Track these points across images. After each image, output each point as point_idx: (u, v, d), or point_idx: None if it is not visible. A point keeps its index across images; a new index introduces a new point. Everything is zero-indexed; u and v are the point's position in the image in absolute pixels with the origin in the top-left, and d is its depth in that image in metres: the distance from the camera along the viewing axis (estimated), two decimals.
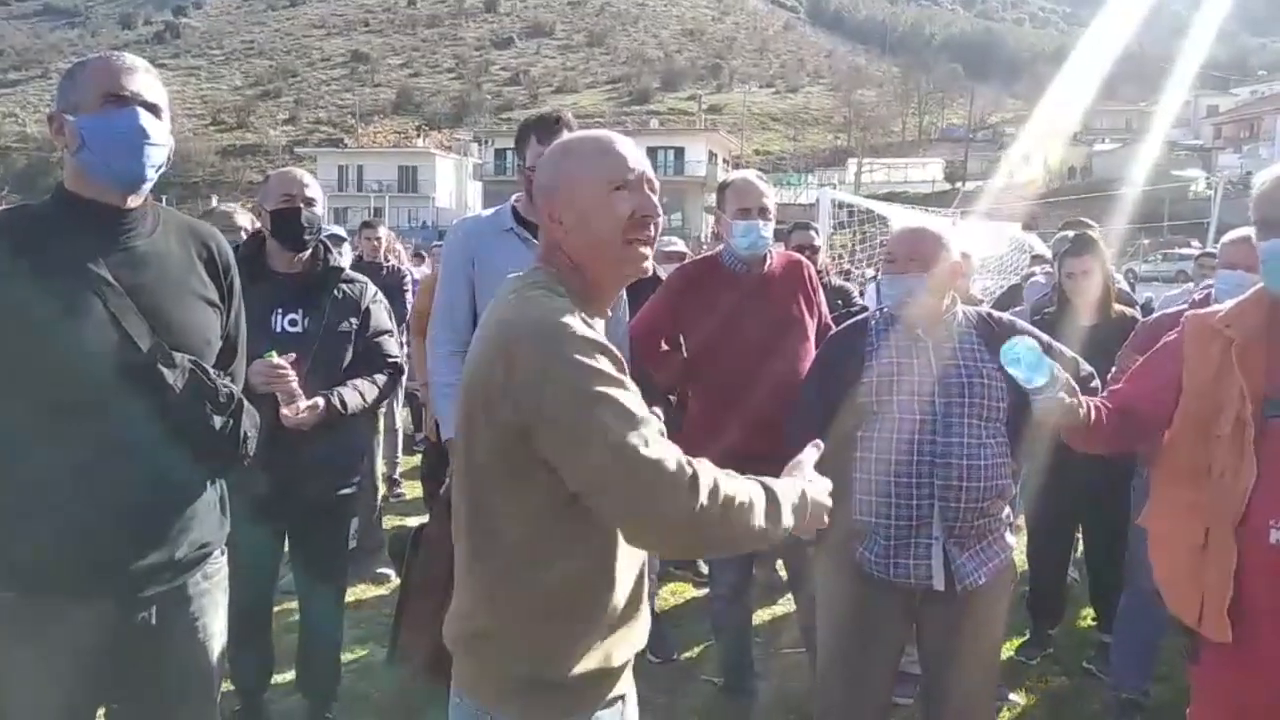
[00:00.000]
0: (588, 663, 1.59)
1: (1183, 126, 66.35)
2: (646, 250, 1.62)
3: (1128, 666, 3.70)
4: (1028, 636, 4.37)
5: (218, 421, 2.01)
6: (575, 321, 1.50)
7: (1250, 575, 2.05)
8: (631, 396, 1.47)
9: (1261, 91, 70.96)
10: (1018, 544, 3.03)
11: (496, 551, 1.58)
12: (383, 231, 6.87)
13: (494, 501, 1.56)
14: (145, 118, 1.94)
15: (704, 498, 1.43)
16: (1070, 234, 5.28)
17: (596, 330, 1.56)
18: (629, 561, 1.63)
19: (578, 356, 1.46)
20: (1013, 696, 3.90)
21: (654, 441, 1.44)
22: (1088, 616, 4.56)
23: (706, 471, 1.47)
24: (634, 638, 1.68)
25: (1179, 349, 2.21)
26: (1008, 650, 4.19)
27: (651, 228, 1.62)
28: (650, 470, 1.42)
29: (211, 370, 2.03)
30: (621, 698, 1.70)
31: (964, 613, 2.61)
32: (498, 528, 1.57)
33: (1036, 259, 7.96)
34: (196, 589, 2.08)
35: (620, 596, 1.62)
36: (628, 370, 1.52)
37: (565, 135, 3.02)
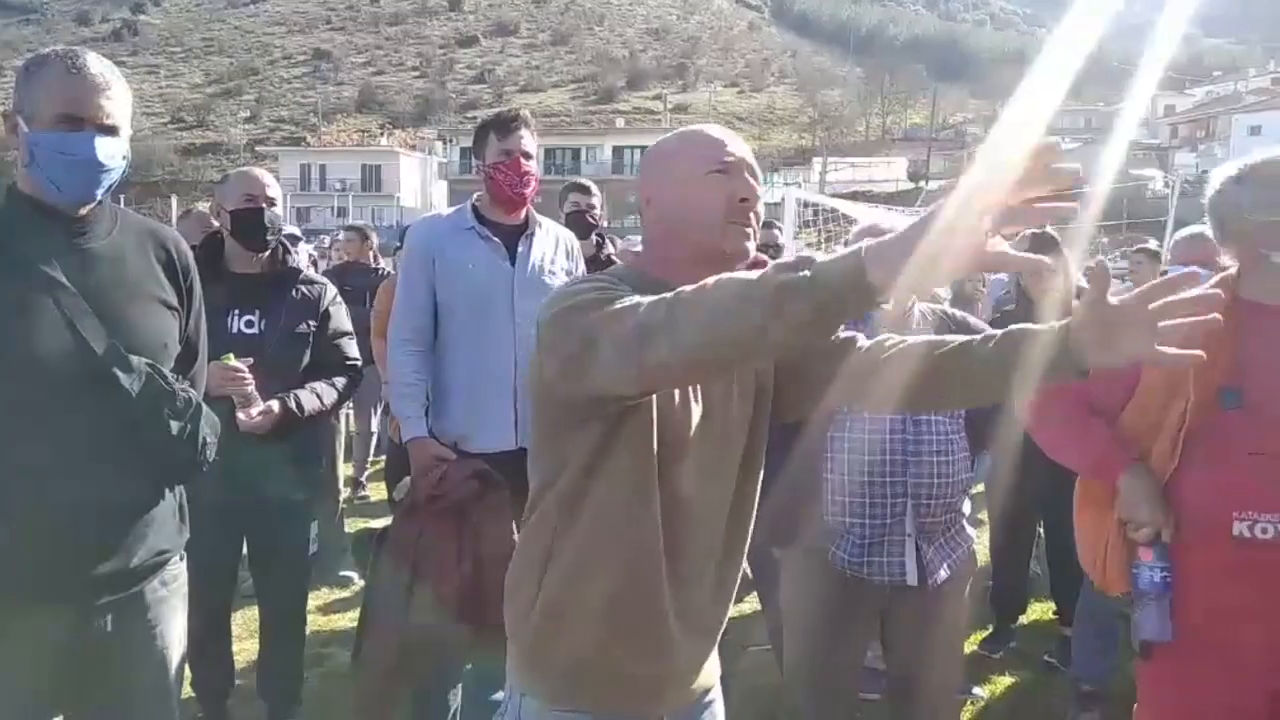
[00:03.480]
0: (572, 652, 1.62)
1: (1140, 126, 67.25)
2: (749, 230, 1.63)
3: (1088, 659, 3.74)
4: (991, 631, 4.42)
5: (175, 426, 1.97)
6: (591, 279, 1.57)
7: (1213, 571, 2.05)
8: (619, 300, 1.44)
9: (1216, 92, 72.25)
10: (980, 538, 3.06)
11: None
12: (374, 235, 6.93)
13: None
14: (100, 144, 1.87)
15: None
16: (1031, 232, 5.34)
17: None
18: (623, 569, 1.60)
19: (570, 288, 1.54)
20: (976, 690, 3.94)
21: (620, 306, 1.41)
22: (1049, 610, 4.61)
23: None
24: (646, 669, 1.64)
25: None
26: (971, 645, 4.24)
27: (751, 214, 1.63)
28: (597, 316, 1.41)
29: (169, 374, 1.98)
30: None
31: (931, 606, 2.64)
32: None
33: None
34: (154, 596, 2.05)
35: (614, 600, 1.60)
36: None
37: (523, 133, 3.05)
